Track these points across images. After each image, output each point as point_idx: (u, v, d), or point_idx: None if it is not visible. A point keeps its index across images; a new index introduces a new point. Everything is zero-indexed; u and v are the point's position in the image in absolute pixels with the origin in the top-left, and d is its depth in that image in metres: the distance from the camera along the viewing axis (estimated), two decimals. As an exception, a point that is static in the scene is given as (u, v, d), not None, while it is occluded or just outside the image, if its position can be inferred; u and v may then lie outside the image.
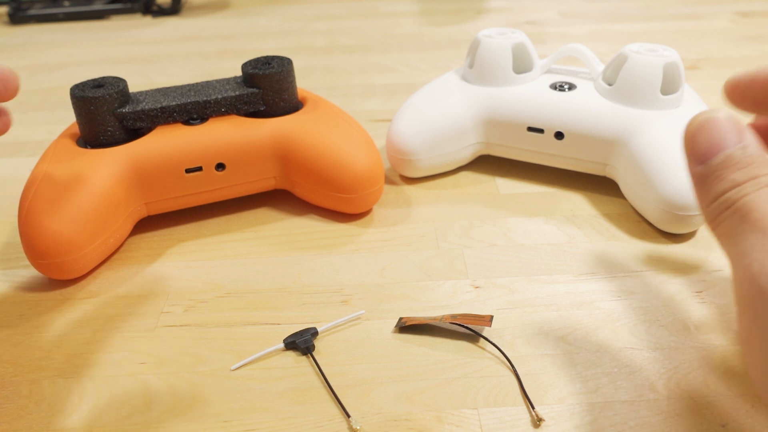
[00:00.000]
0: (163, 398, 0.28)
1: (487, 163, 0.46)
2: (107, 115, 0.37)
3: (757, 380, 0.18)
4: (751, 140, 0.20)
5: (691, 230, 0.37)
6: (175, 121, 0.38)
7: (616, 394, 0.27)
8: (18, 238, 0.40)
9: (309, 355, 0.30)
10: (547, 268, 0.35)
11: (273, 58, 0.40)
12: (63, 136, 0.39)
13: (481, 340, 0.30)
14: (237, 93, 0.39)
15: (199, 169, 0.38)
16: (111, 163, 0.36)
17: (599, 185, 0.42)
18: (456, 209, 0.41)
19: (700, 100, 0.41)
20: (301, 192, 0.40)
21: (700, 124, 0.20)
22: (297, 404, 0.27)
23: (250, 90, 0.39)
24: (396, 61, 0.68)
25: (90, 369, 0.30)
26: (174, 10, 0.92)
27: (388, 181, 0.44)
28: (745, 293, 0.18)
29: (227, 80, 0.41)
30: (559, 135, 0.41)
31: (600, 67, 0.42)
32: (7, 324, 0.33)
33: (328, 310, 0.33)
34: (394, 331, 0.31)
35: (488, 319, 0.30)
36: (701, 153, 0.20)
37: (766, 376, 0.17)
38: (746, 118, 0.24)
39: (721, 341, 0.30)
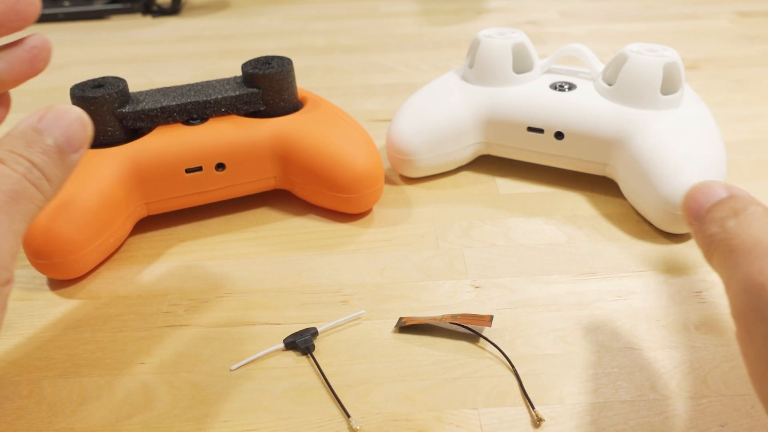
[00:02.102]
0: (163, 398, 0.28)
1: (487, 163, 0.46)
2: (107, 115, 0.37)
3: (758, 390, 0.19)
4: (739, 190, 0.21)
5: (691, 230, 0.37)
6: (175, 121, 0.38)
7: (616, 394, 0.27)
8: (18, 238, 0.40)
9: (309, 355, 0.30)
10: (547, 268, 0.35)
11: (273, 58, 0.40)
12: (63, 136, 0.39)
13: (481, 340, 0.30)
14: (237, 93, 0.39)
15: (199, 169, 0.38)
16: (111, 163, 0.36)
17: (599, 185, 0.42)
18: (456, 209, 0.41)
19: (700, 100, 0.41)
20: (301, 192, 0.40)
21: (694, 187, 0.22)
22: (297, 404, 0.27)
23: (250, 90, 0.39)
24: (396, 61, 0.68)
25: (90, 369, 0.30)
26: (174, 10, 0.92)
27: (388, 181, 0.44)
28: (736, 310, 0.20)
29: (227, 80, 0.41)
30: (559, 135, 0.41)
31: (600, 67, 0.42)
32: (7, 324, 0.33)
33: (328, 310, 0.33)
34: (394, 331, 0.31)
35: (488, 319, 0.30)
36: (695, 209, 0.22)
37: (764, 386, 0.19)
38: None
39: (721, 341, 0.30)
